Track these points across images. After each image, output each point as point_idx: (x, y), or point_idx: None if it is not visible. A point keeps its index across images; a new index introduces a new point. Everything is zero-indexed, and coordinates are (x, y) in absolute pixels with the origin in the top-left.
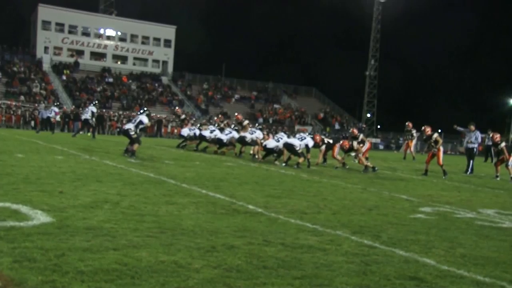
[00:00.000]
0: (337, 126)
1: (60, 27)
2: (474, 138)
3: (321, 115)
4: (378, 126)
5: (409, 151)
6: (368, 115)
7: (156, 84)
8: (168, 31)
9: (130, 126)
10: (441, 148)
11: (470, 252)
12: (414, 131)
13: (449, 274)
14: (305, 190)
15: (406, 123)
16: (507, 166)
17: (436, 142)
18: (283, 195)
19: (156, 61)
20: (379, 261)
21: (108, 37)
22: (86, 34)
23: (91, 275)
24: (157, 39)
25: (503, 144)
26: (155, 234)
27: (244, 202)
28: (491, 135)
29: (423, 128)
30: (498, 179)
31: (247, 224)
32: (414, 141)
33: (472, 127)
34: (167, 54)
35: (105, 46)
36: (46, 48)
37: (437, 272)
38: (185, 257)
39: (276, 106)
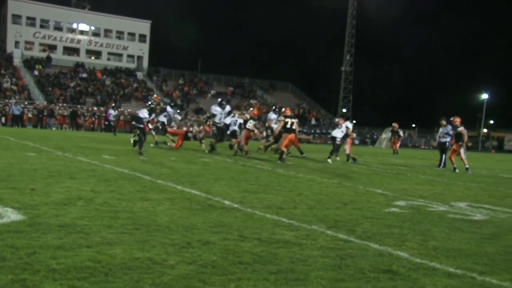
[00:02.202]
0: (313, 122)
1: (31, 21)
2: (446, 132)
3: (297, 110)
4: (354, 121)
5: (395, 148)
6: (344, 110)
7: (131, 80)
8: (143, 26)
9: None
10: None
11: (442, 244)
12: (401, 131)
13: (422, 266)
14: (281, 185)
15: (393, 124)
16: (459, 156)
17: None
18: (259, 190)
19: (131, 56)
20: (353, 255)
21: (81, 32)
22: (58, 28)
23: (64, 273)
24: (131, 34)
25: (461, 127)
26: (130, 230)
27: (220, 198)
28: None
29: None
30: (457, 171)
31: (223, 220)
32: (400, 141)
33: (444, 122)
34: (142, 49)
35: (78, 41)
36: (16, 43)
37: (410, 265)
38: (160, 253)
39: (252, 101)
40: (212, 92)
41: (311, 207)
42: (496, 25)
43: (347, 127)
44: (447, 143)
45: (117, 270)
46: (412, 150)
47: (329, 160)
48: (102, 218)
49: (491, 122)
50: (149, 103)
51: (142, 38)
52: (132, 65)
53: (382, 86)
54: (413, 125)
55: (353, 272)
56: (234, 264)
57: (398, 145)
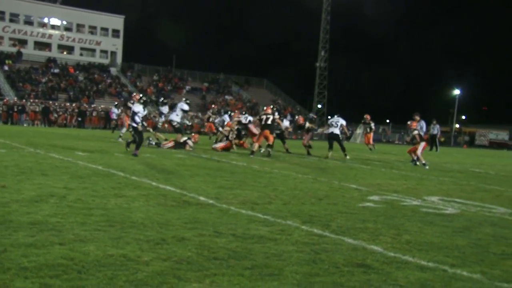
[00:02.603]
0: (289, 117)
1: (0, 15)
2: (419, 127)
3: (273, 106)
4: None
5: (367, 142)
6: (319, 106)
7: (105, 75)
8: (116, 21)
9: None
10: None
11: (415, 238)
12: (372, 124)
13: (395, 260)
14: (257, 181)
15: (365, 116)
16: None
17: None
18: (235, 186)
19: (104, 51)
20: (328, 250)
21: (53, 26)
22: (29, 23)
23: (35, 271)
24: (105, 29)
25: (416, 131)
26: (104, 227)
27: (195, 194)
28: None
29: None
30: (419, 163)
31: (198, 216)
32: (372, 133)
33: (417, 117)
34: (116, 45)
35: (50, 36)
36: None
37: (384, 259)
38: (134, 250)
39: (227, 97)
40: (187, 87)
41: (286, 202)
42: (468, 21)
43: (341, 124)
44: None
45: (90, 267)
46: (386, 145)
47: (347, 157)
48: (75, 215)
49: (463, 117)
50: (140, 95)
51: (115, 33)
52: (106, 61)
53: (357, 82)
54: (387, 121)
55: (327, 266)
56: (209, 260)
57: (371, 139)
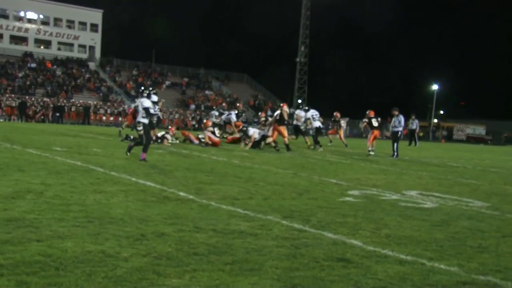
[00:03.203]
0: (269, 113)
1: None
2: (398, 122)
3: (253, 101)
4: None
5: (340, 139)
6: (299, 101)
7: (83, 70)
8: (95, 15)
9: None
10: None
11: (394, 232)
12: (342, 121)
13: (374, 254)
14: (237, 176)
15: (334, 113)
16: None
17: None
18: (215, 181)
19: (82, 46)
20: (308, 244)
21: (30, 20)
22: (4, 16)
23: (12, 268)
24: (83, 23)
25: (374, 119)
26: (82, 223)
27: (175, 189)
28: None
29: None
30: (372, 153)
31: (178, 211)
32: (342, 130)
33: (396, 112)
34: (94, 39)
35: (27, 30)
36: None
37: (363, 253)
38: (113, 246)
39: (207, 92)
40: (167, 83)
41: (267, 197)
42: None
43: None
44: (399, 133)
45: (68, 264)
46: (366, 140)
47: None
48: (53, 212)
49: (441, 112)
50: (142, 88)
51: (94, 27)
52: (84, 55)
53: (337, 77)
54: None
55: (307, 261)
56: (189, 255)
57: (342, 135)
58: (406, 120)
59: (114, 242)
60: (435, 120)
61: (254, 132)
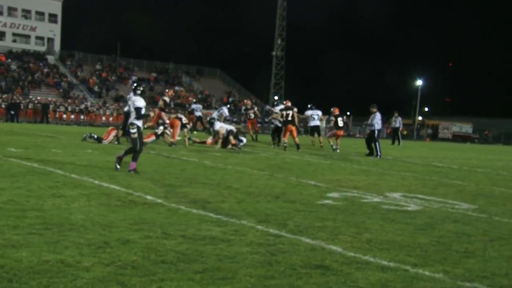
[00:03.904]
0: (243, 110)
1: None
2: (376, 119)
3: (226, 98)
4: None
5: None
6: (276, 97)
7: (41, 64)
8: (54, 5)
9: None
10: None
11: (376, 236)
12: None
13: (355, 260)
14: (209, 178)
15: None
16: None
17: None
18: (185, 184)
19: (40, 38)
20: (284, 250)
21: None
22: None
23: None
24: (40, 13)
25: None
26: (39, 231)
27: (141, 193)
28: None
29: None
30: (338, 151)
31: (144, 216)
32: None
33: (374, 109)
34: (53, 31)
35: None
36: None
37: (343, 259)
38: (73, 255)
39: (177, 88)
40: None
41: (241, 200)
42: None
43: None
44: (376, 132)
45: (23, 275)
46: (347, 139)
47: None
48: (6, 218)
49: (426, 109)
50: (135, 85)
51: (52, 18)
52: (42, 48)
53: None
54: (348, 113)
55: (283, 268)
56: (156, 263)
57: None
58: (389, 118)
59: (75, 250)
60: (420, 118)
61: (221, 127)
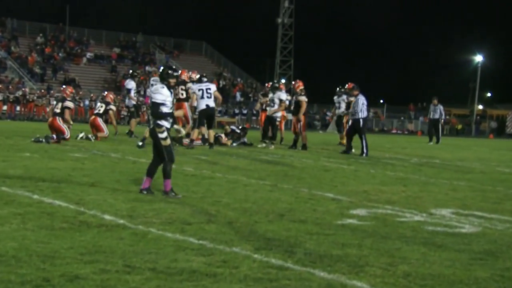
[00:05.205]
0: (238, 97)
1: None
2: (358, 105)
3: (216, 81)
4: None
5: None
6: (283, 80)
7: None
8: None
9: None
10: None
11: (416, 269)
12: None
13: None
14: (190, 190)
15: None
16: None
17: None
18: (157, 198)
19: None
20: None
21: None
22: None
23: None
24: None
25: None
26: None
27: (98, 211)
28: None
29: None
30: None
31: (101, 243)
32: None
33: (355, 92)
34: None
35: None
36: None
37: None
38: None
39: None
40: (88, 55)
41: (232, 220)
42: None
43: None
44: (361, 121)
45: None
46: (379, 135)
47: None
48: None
49: (488, 95)
50: (131, 71)
51: None
52: None
53: (336, 46)
54: (381, 101)
55: None
56: None
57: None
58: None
59: None
60: (480, 107)
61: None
